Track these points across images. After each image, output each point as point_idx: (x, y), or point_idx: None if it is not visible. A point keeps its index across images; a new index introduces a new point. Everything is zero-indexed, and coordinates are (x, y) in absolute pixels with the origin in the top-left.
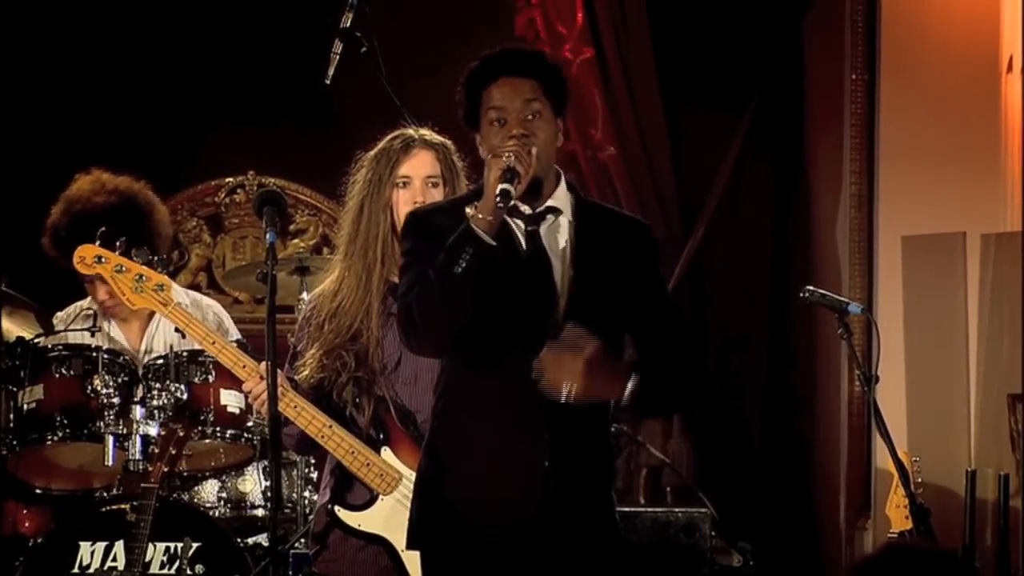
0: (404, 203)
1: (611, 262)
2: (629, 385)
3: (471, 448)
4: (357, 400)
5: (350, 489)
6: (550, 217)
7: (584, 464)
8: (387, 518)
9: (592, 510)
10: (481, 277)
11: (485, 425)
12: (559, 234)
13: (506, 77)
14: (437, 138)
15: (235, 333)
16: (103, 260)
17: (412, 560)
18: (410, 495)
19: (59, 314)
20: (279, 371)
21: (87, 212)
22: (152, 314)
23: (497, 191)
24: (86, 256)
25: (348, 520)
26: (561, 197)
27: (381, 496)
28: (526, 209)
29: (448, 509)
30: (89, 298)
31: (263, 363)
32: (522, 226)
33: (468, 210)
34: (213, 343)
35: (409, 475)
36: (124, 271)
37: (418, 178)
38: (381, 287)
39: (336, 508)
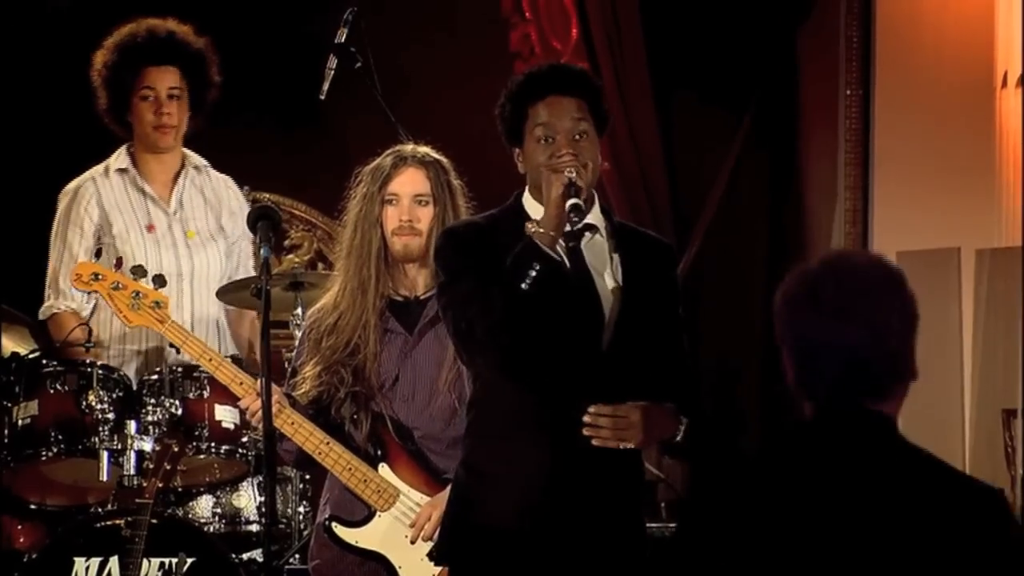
0: (391, 220)
1: (649, 282)
2: (682, 425)
3: (512, 464)
4: (355, 416)
5: (348, 505)
6: (588, 234)
7: (618, 480)
8: (385, 535)
9: (622, 524)
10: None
11: (525, 441)
12: (598, 251)
13: (555, 95)
14: (432, 156)
15: (245, 203)
16: (100, 277)
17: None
18: (407, 511)
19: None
20: (277, 388)
21: (132, 46)
22: (180, 172)
23: (568, 206)
24: (83, 273)
25: (345, 536)
26: (596, 216)
27: (379, 513)
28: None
29: (487, 524)
30: (117, 154)
31: (260, 380)
32: (562, 243)
33: (529, 226)
34: (210, 360)
35: (407, 491)
36: (121, 288)
37: (406, 196)
38: (377, 303)
39: (333, 524)
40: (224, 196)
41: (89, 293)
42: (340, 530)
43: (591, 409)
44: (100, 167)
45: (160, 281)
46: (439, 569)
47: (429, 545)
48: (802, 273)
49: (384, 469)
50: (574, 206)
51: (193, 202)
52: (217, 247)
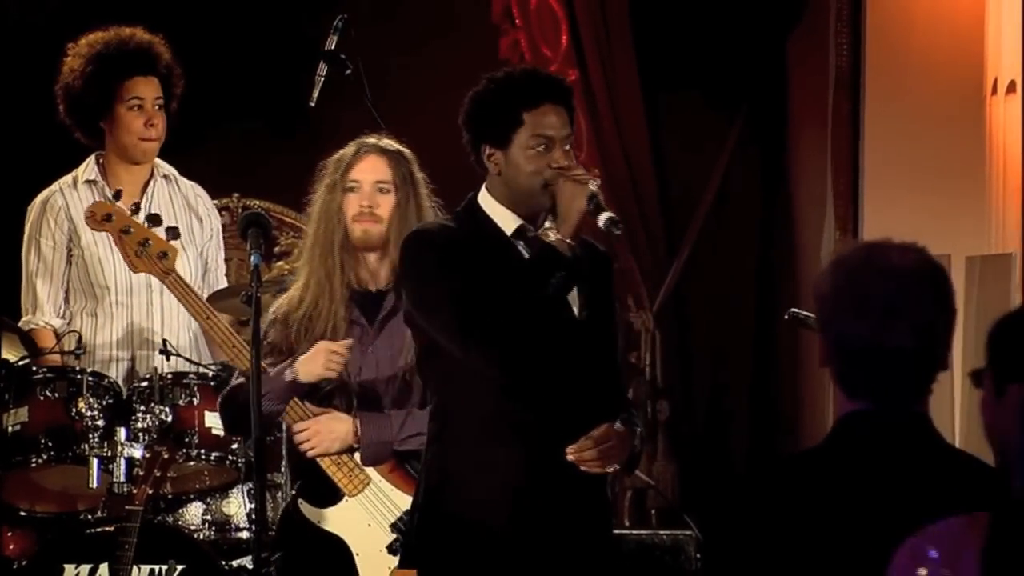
0: (352, 207)
1: (597, 287)
2: (635, 435)
3: (486, 469)
4: (336, 402)
5: (317, 485)
6: None
7: (589, 485)
8: (348, 520)
9: (592, 527)
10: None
11: (499, 446)
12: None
13: (551, 104)
14: (394, 145)
15: (215, 218)
16: (112, 218)
17: (366, 564)
18: (375, 500)
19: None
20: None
21: (117, 54)
22: (149, 182)
23: (605, 219)
24: (97, 212)
25: (309, 515)
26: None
27: (347, 497)
28: (531, 232)
29: (457, 528)
30: (85, 164)
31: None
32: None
33: (551, 234)
34: (207, 318)
35: (378, 480)
36: (131, 233)
37: (367, 183)
38: (344, 292)
39: (299, 501)
40: (193, 204)
41: (65, 304)
42: (306, 508)
43: (569, 449)
44: (68, 178)
45: (173, 233)
46: (395, 560)
47: (390, 537)
48: (844, 269)
49: (359, 454)
50: (611, 219)
51: (162, 212)
52: (187, 256)
